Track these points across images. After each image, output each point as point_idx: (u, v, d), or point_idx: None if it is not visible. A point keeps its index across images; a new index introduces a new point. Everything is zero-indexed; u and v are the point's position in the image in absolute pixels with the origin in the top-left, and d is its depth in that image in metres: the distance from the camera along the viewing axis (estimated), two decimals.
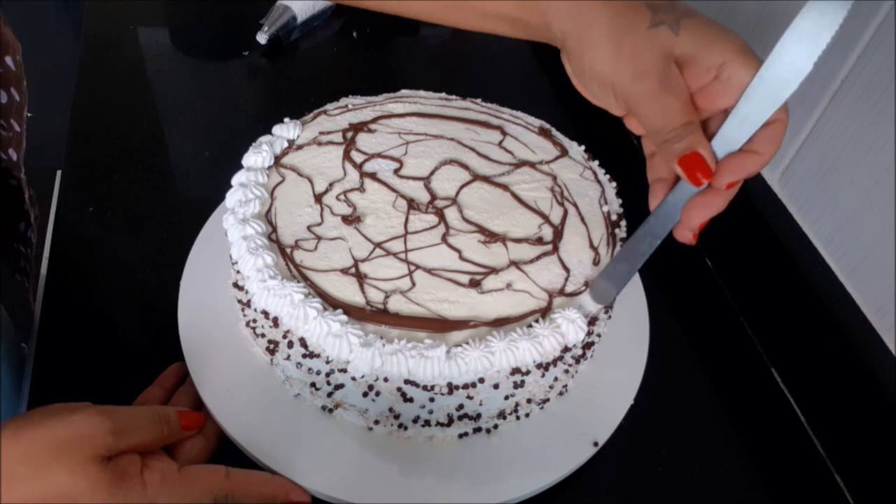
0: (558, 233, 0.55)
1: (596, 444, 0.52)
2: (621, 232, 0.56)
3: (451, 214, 0.55)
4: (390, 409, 0.49)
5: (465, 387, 0.47)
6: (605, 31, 0.40)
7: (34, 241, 0.73)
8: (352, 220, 0.54)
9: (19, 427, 0.40)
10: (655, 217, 0.44)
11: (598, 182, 0.60)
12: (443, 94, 0.67)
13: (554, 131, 0.64)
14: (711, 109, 0.41)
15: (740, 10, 0.66)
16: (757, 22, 0.64)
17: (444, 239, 0.53)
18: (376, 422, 0.51)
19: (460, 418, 0.50)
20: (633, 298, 0.61)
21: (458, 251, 0.53)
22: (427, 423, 0.50)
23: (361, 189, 0.57)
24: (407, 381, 0.47)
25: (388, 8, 0.49)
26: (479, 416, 0.50)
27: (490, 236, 0.54)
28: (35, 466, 0.39)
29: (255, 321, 0.52)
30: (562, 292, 0.51)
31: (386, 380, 0.47)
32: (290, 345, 0.49)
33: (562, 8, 0.41)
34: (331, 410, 0.52)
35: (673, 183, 0.43)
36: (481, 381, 0.47)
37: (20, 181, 0.69)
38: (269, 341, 0.51)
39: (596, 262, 0.53)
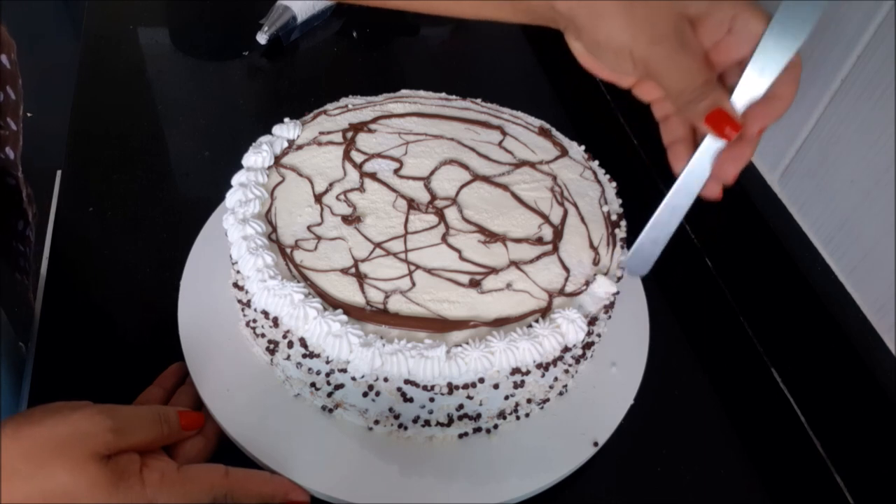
0: (558, 233, 0.55)
1: (596, 444, 0.52)
2: (621, 232, 0.56)
3: (451, 214, 0.55)
4: (390, 409, 0.49)
5: (465, 387, 0.47)
6: (616, 4, 0.41)
7: (33, 240, 0.73)
8: (352, 220, 0.54)
9: (20, 425, 0.40)
10: (684, 179, 0.44)
11: (598, 182, 0.60)
12: (443, 94, 0.67)
13: (554, 131, 0.64)
14: (726, 62, 0.42)
15: None
16: None
17: (444, 239, 0.54)
18: (376, 422, 0.51)
19: (460, 418, 0.50)
20: (633, 298, 0.61)
21: (458, 251, 0.53)
22: (427, 423, 0.50)
23: (361, 189, 0.57)
24: (407, 381, 0.47)
25: (387, 2, 0.49)
26: (479, 416, 0.50)
27: (490, 236, 0.54)
28: (35, 464, 0.39)
29: (255, 321, 0.52)
30: (562, 292, 0.51)
31: (386, 380, 0.47)
32: (290, 345, 0.49)
33: None
34: (331, 410, 0.52)
35: (693, 141, 0.44)
36: (481, 381, 0.47)
37: (18, 180, 0.69)
38: (269, 341, 0.51)
39: (596, 262, 0.53)
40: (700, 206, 0.73)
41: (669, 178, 0.79)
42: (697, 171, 0.44)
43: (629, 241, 0.54)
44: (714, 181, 0.44)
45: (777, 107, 0.41)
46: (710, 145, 0.43)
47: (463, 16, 0.47)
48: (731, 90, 0.41)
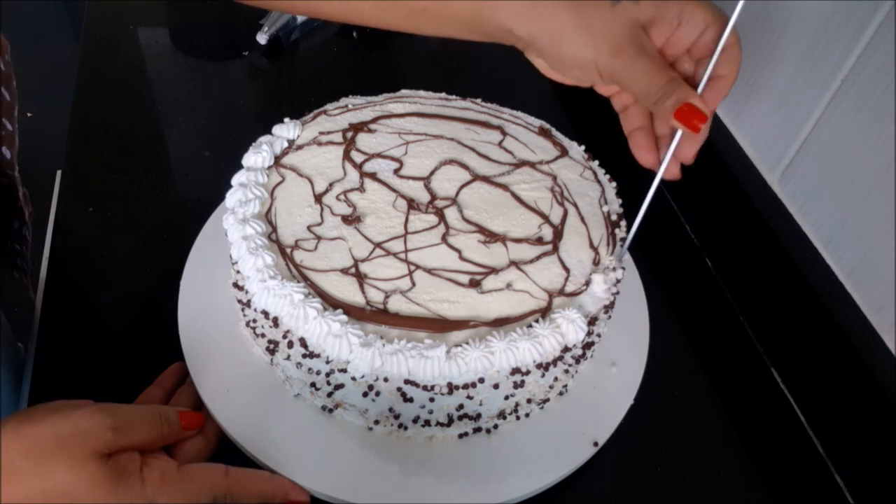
0: (558, 233, 0.55)
1: (596, 444, 0.52)
2: (621, 232, 0.56)
3: (451, 214, 0.55)
4: (390, 409, 0.49)
5: (465, 387, 0.47)
6: (574, 23, 0.43)
7: (29, 239, 0.73)
8: (352, 220, 0.54)
9: (20, 423, 0.40)
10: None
11: (598, 182, 0.60)
12: (443, 94, 0.67)
13: (554, 131, 0.64)
14: (678, 52, 0.46)
15: None
16: None
17: (444, 239, 0.54)
18: (376, 422, 0.51)
19: (460, 418, 0.50)
20: (633, 298, 0.61)
21: (458, 251, 0.53)
22: (427, 423, 0.50)
23: (361, 189, 0.57)
24: (407, 381, 0.47)
25: (340, 16, 0.50)
26: (479, 416, 0.50)
27: (490, 236, 0.54)
28: (35, 461, 0.39)
29: (255, 321, 0.52)
30: (562, 292, 0.51)
31: (386, 380, 0.47)
32: (290, 345, 0.49)
33: (521, 12, 0.44)
34: (331, 410, 0.52)
35: (651, 129, 0.49)
36: (481, 381, 0.47)
37: (14, 179, 0.69)
38: (269, 341, 0.51)
39: (596, 262, 0.53)
40: (700, 207, 0.73)
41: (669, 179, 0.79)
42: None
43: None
44: (674, 162, 0.48)
45: (723, 86, 0.45)
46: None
47: (425, 34, 0.48)
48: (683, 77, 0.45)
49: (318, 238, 0.53)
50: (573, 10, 0.43)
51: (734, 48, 0.45)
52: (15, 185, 0.69)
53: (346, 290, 0.50)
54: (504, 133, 0.63)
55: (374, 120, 0.63)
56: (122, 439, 0.42)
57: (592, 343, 0.54)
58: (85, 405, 0.42)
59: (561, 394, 0.54)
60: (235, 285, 0.54)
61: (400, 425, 0.50)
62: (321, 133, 0.61)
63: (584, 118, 0.82)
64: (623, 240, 0.55)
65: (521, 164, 0.60)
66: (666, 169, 0.48)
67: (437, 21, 0.47)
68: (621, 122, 0.50)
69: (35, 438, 0.40)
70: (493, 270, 0.52)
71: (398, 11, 0.47)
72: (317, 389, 0.51)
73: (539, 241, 0.54)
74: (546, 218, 0.56)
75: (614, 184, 0.60)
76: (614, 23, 0.43)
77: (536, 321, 0.49)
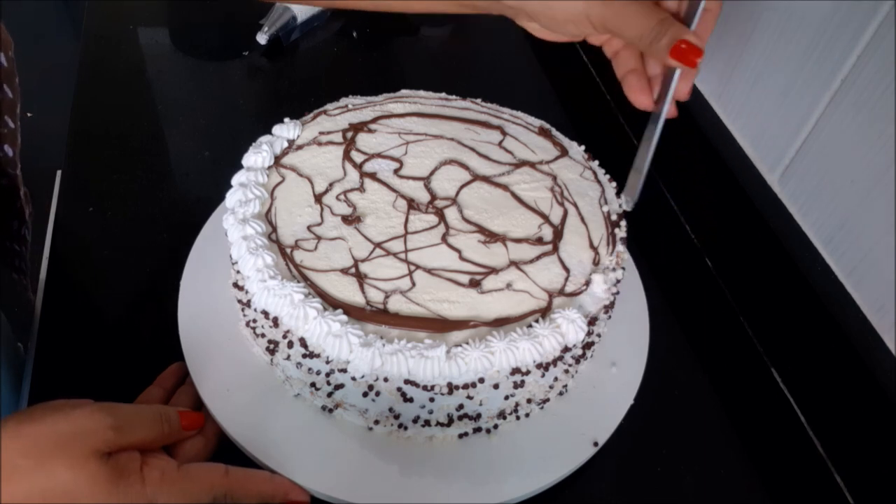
0: (558, 233, 0.55)
1: (596, 444, 0.52)
2: (621, 232, 0.56)
3: (451, 214, 0.55)
4: (390, 409, 0.49)
5: (465, 387, 0.47)
6: None
7: (29, 239, 0.72)
8: (352, 220, 0.54)
9: (21, 422, 0.40)
10: (654, 114, 0.49)
11: (598, 182, 0.60)
12: (443, 94, 0.67)
13: (554, 131, 0.64)
14: None
15: None
16: None
17: (444, 239, 0.54)
18: (376, 422, 0.51)
19: (460, 418, 0.50)
20: (633, 298, 0.61)
21: (458, 251, 0.53)
22: (427, 423, 0.50)
23: (361, 189, 0.57)
24: (407, 381, 0.47)
25: (331, 2, 0.51)
26: (479, 416, 0.50)
27: (490, 236, 0.54)
28: (35, 460, 0.39)
29: (255, 321, 0.52)
30: (562, 292, 0.51)
31: (386, 380, 0.47)
32: (290, 345, 0.49)
33: None
34: (331, 410, 0.52)
35: (643, 71, 0.49)
36: (481, 381, 0.47)
37: (15, 178, 0.68)
38: (269, 341, 0.51)
39: (596, 262, 0.53)
40: (700, 207, 0.73)
41: (670, 178, 0.79)
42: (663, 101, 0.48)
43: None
44: (671, 101, 0.49)
45: (710, 19, 0.46)
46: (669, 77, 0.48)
47: (413, 11, 0.48)
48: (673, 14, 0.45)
49: (318, 238, 0.53)
50: None
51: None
52: (16, 184, 0.69)
53: (346, 290, 0.50)
54: (504, 133, 0.63)
55: (374, 120, 0.63)
56: (123, 438, 0.42)
57: (592, 343, 0.54)
58: (85, 404, 0.42)
59: (561, 394, 0.54)
60: (235, 285, 0.54)
61: (400, 425, 0.50)
62: (321, 133, 0.61)
63: (584, 118, 0.82)
64: (624, 239, 0.55)
65: (521, 164, 0.60)
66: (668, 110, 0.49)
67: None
68: (614, 68, 0.50)
69: (35, 437, 0.40)
70: (493, 270, 0.52)
71: None
72: (317, 389, 0.51)
73: (539, 241, 0.54)
74: (546, 218, 0.56)
75: (614, 184, 0.60)
76: None
77: (536, 321, 0.49)
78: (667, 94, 0.47)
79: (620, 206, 0.54)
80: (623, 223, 0.56)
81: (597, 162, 0.63)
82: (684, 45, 0.44)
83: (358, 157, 0.59)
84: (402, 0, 0.48)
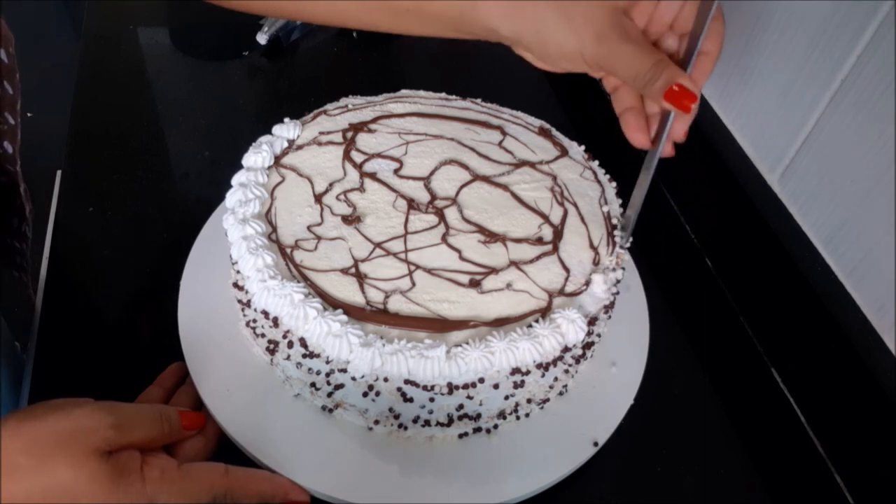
0: (558, 233, 0.55)
1: (596, 444, 0.52)
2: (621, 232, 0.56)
3: (451, 214, 0.55)
4: (390, 409, 0.49)
5: (465, 387, 0.47)
6: (555, 16, 0.44)
7: (29, 236, 0.72)
8: (352, 220, 0.54)
9: (22, 420, 0.40)
10: (651, 152, 0.49)
11: (598, 182, 0.60)
12: (443, 94, 0.67)
13: (554, 131, 0.64)
14: (661, 30, 0.46)
15: None
16: None
17: (444, 239, 0.53)
18: (376, 422, 0.51)
19: (460, 418, 0.50)
20: (633, 298, 0.61)
21: (458, 251, 0.53)
22: (427, 423, 0.50)
23: (361, 189, 0.57)
24: (407, 381, 0.47)
25: (324, 17, 0.51)
26: (479, 416, 0.50)
27: (490, 236, 0.54)
28: (36, 458, 0.39)
29: (255, 321, 0.52)
30: (562, 292, 0.51)
31: (386, 380, 0.47)
32: (290, 345, 0.49)
33: (503, 11, 0.44)
34: (331, 410, 0.52)
35: (642, 109, 0.49)
36: (481, 381, 0.47)
37: (15, 175, 0.68)
38: (269, 341, 0.51)
39: (596, 262, 0.53)
40: (700, 207, 0.73)
41: (670, 178, 0.79)
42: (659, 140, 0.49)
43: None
44: (667, 142, 0.49)
45: (708, 62, 0.46)
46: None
47: (408, 33, 0.49)
48: (667, 53, 0.45)
49: (318, 238, 0.53)
50: (554, 4, 0.44)
51: (717, 22, 0.45)
52: (16, 181, 0.68)
53: (346, 290, 0.50)
54: (504, 133, 0.63)
55: (374, 120, 0.63)
56: (123, 437, 0.42)
57: (592, 343, 0.54)
58: (86, 403, 0.42)
59: (561, 394, 0.54)
60: (235, 285, 0.54)
61: (400, 425, 0.50)
62: (321, 133, 0.61)
63: (584, 118, 0.82)
64: (623, 229, 0.55)
65: (521, 164, 0.60)
66: (664, 149, 0.49)
67: (422, 21, 0.47)
68: (612, 103, 0.50)
69: (36, 435, 0.40)
70: (493, 270, 0.52)
71: (383, 11, 0.48)
72: (317, 389, 0.51)
73: (539, 241, 0.54)
74: (546, 218, 0.56)
75: (614, 184, 0.60)
76: (595, 11, 0.43)
77: (536, 321, 0.49)
78: (663, 133, 0.47)
79: (618, 240, 0.55)
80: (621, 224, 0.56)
81: (597, 162, 0.63)
82: (678, 88, 0.43)
83: (358, 157, 0.59)
84: (398, 22, 0.48)
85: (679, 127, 0.48)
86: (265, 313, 0.49)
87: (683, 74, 0.44)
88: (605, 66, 0.44)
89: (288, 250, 0.52)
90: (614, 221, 0.56)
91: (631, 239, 0.55)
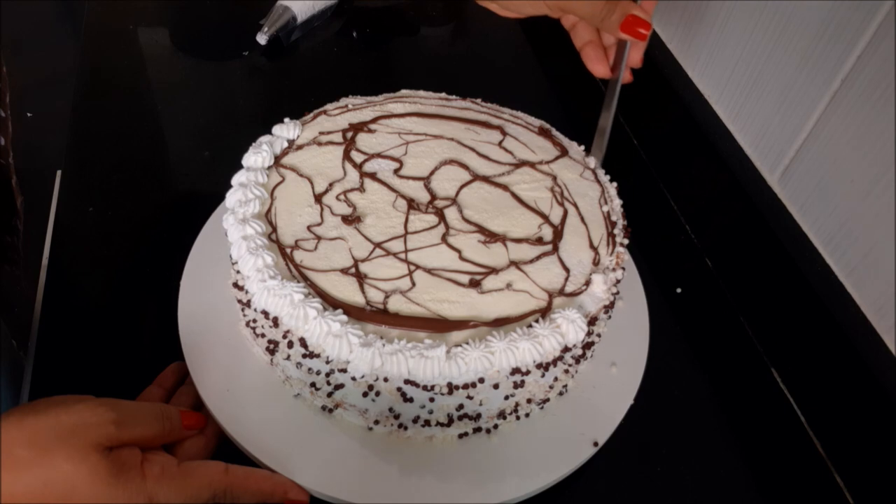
0: (558, 233, 0.55)
1: (596, 444, 0.52)
2: (621, 234, 0.56)
3: (451, 214, 0.55)
4: (390, 409, 0.49)
5: (465, 387, 0.47)
6: None
7: (20, 228, 0.72)
8: (352, 220, 0.54)
9: (24, 414, 0.40)
10: (612, 81, 0.56)
11: (598, 182, 0.60)
12: (443, 94, 0.67)
13: (554, 131, 0.64)
14: None
15: None
16: None
17: (444, 239, 0.53)
18: (376, 422, 0.51)
19: (460, 418, 0.50)
20: (633, 298, 0.61)
21: (458, 251, 0.53)
22: (427, 423, 0.50)
23: (361, 189, 0.57)
24: (407, 381, 0.47)
25: None
26: (479, 416, 0.50)
27: (490, 236, 0.54)
28: (37, 451, 0.39)
29: (255, 321, 0.52)
30: (562, 292, 0.51)
31: (386, 380, 0.47)
32: (290, 345, 0.49)
33: None
34: (331, 410, 0.52)
35: (600, 42, 0.55)
36: (481, 381, 0.47)
37: (8, 168, 0.68)
38: (269, 341, 0.51)
39: (596, 262, 0.53)
40: (700, 207, 0.73)
41: (669, 178, 0.79)
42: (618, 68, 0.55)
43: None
44: (626, 69, 0.55)
45: None
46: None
47: None
48: None
49: (318, 238, 0.53)
50: None
51: None
52: (8, 174, 0.68)
53: (346, 290, 0.50)
54: (504, 133, 0.63)
55: (374, 120, 0.63)
56: (124, 433, 0.42)
57: (592, 343, 0.54)
58: (88, 398, 0.42)
59: (561, 394, 0.54)
60: (235, 285, 0.54)
61: (400, 425, 0.50)
62: (321, 133, 0.61)
63: (584, 118, 0.82)
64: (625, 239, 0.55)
65: (521, 164, 0.60)
66: (624, 76, 0.55)
67: None
68: (572, 39, 0.56)
69: (37, 429, 0.40)
70: (493, 270, 0.52)
71: None
72: (317, 389, 0.51)
73: (539, 241, 0.54)
74: (546, 218, 0.56)
75: (614, 184, 0.60)
76: None
77: (536, 321, 0.49)
78: (622, 62, 0.54)
79: (590, 161, 0.61)
80: (621, 223, 0.56)
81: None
82: (633, 19, 0.49)
83: (358, 157, 0.59)
84: None
85: (635, 54, 0.54)
86: (265, 313, 0.49)
87: (635, 6, 0.50)
88: (564, 7, 0.51)
89: (288, 250, 0.52)
90: (614, 218, 0.56)
91: (601, 160, 0.60)
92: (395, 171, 0.58)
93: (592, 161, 0.60)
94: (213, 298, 0.57)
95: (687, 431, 0.58)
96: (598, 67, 0.55)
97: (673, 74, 0.76)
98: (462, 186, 0.58)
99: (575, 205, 0.57)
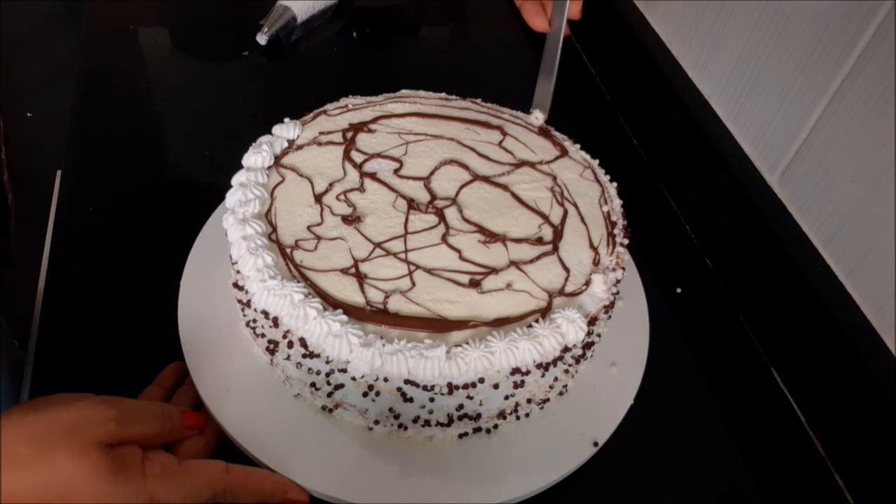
0: (558, 233, 0.55)
1: (596, 444, 0.52)
2: (620, 234, 0.56)
3: (451, 214, 0.55)
4: (390, 409, 0.49)
5: (465, 387, 0.47)
6: None
7: (11, 227, 0.71)
8: (352, 220, 0.54)
9: (25, 412, 0.40)
10: (551, 34, 0.61)
11: (598, 182, 0.60)
12: (443, 94, 0.67)
13: (554, 131, 0.64)
14: None
15: None
16: None
17: (444, 239, 0.53)
18: (376, 422, 0.51)
19: (460, 418, 0.50)
20: (634, 298, 0.61)
21: (458, 251, 0.53)
22: (427, 423, 0.50)
23: (361, 189, 0.57)
24: (407, 381, 0.47)
25: None
26: (479, 416, 0.50)
27: (490, 236, 0.54)
28: (38, 449, 0.39)
29: (255, 321, 0.52)
30: (562, 292, 0.51)
31: (386, 380, 0.47)
32: (290, 345, 0.49)
33: None
34: (331, 410, 0.52)
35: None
36: (481, 381, 0.47)
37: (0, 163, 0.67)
38: (269, 341, 0.51)
39: (596, 262, 0.53)
40: (700, 207, 0.73)
41: (669, 178, 0.79)
42: (556, 24, 0.60)
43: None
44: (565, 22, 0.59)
45: None
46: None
47: None
48: None
49: (318, 238, 0.53)
50: None
51: None
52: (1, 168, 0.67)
53: (346, 290, 0.50)
54: (504, 133, 0.63)
55: (374, 120, 0.63)
56: (125, 431, 0.42)
57: (592, 343, 0.54)
58: (88, 396, 0.42)
59: (561, 394, 0.54)
60: (235, 285, 0.54)
61: (400, 425, 0.50)
62: (321, 133, 0.61)
63: (584, 118, 0.82)
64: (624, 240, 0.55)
65: (521, 164, 0.60)
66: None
67: None
68: None
69: (37, 427, 0.40)
70: (493, 270, 0.52)
71: None
72: (317, 389, 0.51)
73: (539, 241, 0.54)
74: (546, 218, 0.56)
75: (614, 184, 0.60)
76: None
77: (536, 321, 0.49)
78: (562, 16, 0.58)
79: (535, 117, 0.63)
80: (621, 223, 0.56)
81: (597, 162, 0.63)
82: None
83: (358, 157, 0.59)
84: None
85: (574, 7, 0.58)
86: (265, 313, 0.49)
87: None
88: None
89: (288, 250, 0.52)
90: (614, 218, 0.56)
91: (545, 113, 0.63)
92: (395, 171, 0.58)
93: (538, 116, 0.63)
94: (213, 298, 0.57)
95: (687, 431, 0.58)
96: (537, 21, 0.57)
97: (673, 74, 0.76)
98: (462, 186, 0.58)
99: (575, 205, 0.57)
